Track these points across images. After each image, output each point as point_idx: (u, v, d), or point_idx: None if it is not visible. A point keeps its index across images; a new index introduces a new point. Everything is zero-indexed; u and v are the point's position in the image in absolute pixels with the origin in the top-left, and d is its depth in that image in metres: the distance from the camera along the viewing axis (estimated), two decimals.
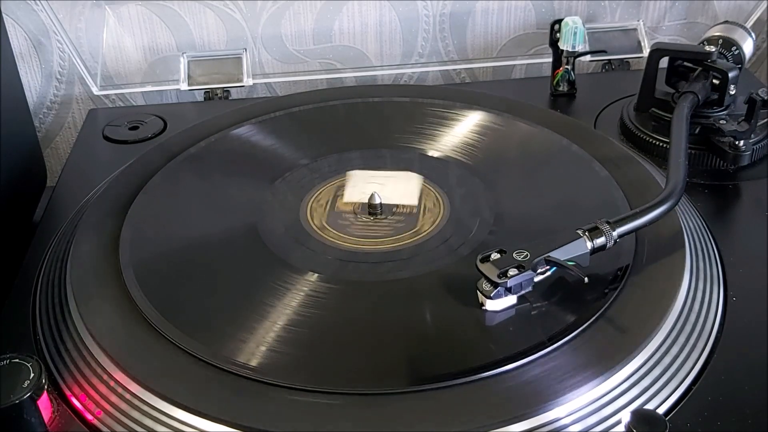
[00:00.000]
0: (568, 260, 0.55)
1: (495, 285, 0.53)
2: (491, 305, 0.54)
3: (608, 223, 0.56)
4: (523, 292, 0.54)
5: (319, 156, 0.73)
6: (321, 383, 0.50)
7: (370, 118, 0.79)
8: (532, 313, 0.55)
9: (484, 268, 0.54)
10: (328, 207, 0.67)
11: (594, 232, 0.56)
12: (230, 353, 0.52)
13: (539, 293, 0.55)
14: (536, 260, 0.54)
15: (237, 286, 0.59)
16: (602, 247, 0.56)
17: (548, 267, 0.55)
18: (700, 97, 0.72)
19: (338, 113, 0.80)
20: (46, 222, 0.71)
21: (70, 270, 0.60)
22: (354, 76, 0.99)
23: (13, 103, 0.78)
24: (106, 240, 0.63)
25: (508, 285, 0.53)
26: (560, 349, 0.51)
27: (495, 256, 0.54)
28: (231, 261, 0.61)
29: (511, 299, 0.54)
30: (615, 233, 0.56)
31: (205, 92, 0.93)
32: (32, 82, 0.98)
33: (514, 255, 0.54)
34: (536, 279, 0.55)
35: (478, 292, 0.55)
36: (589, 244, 0.55)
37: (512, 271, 0.53)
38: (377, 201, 0.65)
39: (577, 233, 0.56)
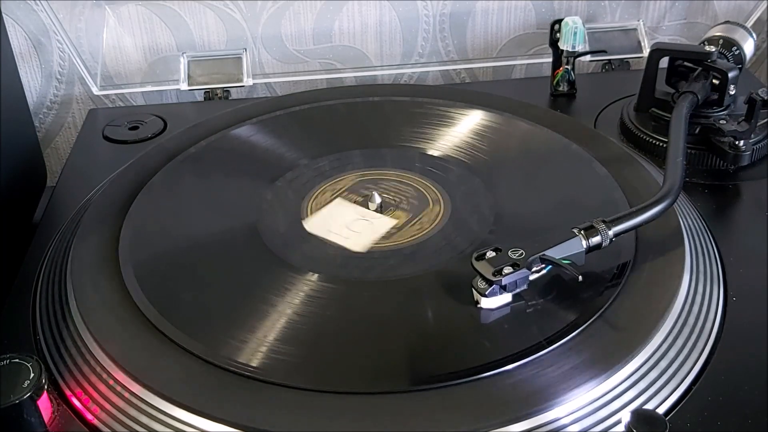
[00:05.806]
0: (564, 259, 0.55)
1: (490, 283, 0.53)
2: (486, 303, 0.54)
3: (604, 222, 0.56)
4: (518, 290, 0.54)
5: (320, 156, 0.73)
6: (321, 383, 0.50)
7: (370, 118, 0.79)
8: (531, 312, 0.54)
9: (479, 265, 0.54)
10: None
11: (589, 230, 0.56)
12: (230, 353, 0.52)
13: (538, 292, 0.55)
14: (531, 258, 0.54)
15: (237, 286, 0.59)
16: (598, 246, 0.56)
17: (543, 265, 0.55)
18: (699, 97, 0.72)
19: (338, 113, 0.80)
20: (46, 222, 0.71)
21: (70, 270, 0.60)
22: (354, 76, 0.99)
23: (13, 103, 0.78)
24: (106, 240, 0.63)
25: (503, 283, 0.53)
26: (560, 349, 0.51)
27: (490, 254, 0.54)
28: (231, 261, 0.61)
29: (506, 297, 0.54)
30: (611, 232, 0.56)
31: (205, 92, 0.93)
32: (32, 82, 0.98)
33: (509, 253, 0.54)
34: (531, 277, 0.55)
35: (473, 289, 0.55)
36: (584, 243, 0.55)
37: (507, 269, 0.53)
38: (377, 201, 0.65)
39: (573, 232, 0.56)
